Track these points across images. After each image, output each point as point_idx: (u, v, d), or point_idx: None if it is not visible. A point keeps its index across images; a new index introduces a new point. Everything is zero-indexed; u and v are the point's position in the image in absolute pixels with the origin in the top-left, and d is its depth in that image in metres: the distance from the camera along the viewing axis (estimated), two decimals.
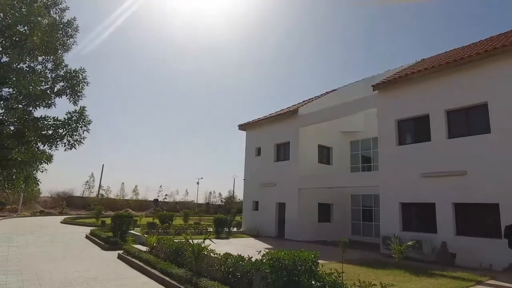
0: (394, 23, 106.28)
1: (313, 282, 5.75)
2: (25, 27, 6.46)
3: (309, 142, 21.18)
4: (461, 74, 13.40)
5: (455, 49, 17.62)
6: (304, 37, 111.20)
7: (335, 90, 24.72)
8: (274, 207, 21.53)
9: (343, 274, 6.66)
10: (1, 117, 6.59)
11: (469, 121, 13.12)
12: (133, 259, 10.39)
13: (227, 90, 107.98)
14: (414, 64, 18.38)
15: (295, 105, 24.80)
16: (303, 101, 25.16)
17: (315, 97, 25.06)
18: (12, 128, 6.83)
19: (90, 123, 7.27)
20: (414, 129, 15.04)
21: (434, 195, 13.45)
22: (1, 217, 27.67)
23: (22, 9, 6.38)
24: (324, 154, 22.35)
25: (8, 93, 6.90)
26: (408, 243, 11.71)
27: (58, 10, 7.39)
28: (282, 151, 22.33)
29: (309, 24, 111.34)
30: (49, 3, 7.15)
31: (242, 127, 25.94)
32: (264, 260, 6.51)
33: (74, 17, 7.71)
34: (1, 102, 6.84)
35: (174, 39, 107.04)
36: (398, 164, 14.99)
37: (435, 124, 13.92)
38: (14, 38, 6.34)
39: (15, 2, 6.39)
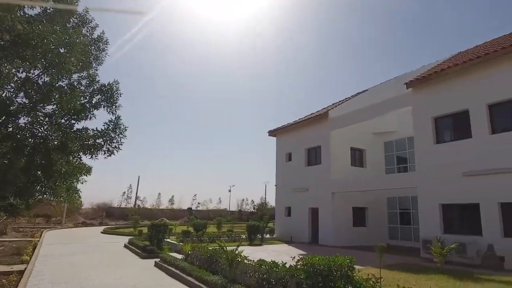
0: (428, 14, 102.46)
1: None
2: (64, 49, 6.91)
3: (341, 145, 20.79)
4: (503, 65, 12.61)
5: (495, 39, 16.63)
6: (330, 39, 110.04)
7: (366, 90, 24.17)
8: (307, 213, 21.24)
9: (381, 279, 6.43)
10: (46, 133, 7.07)
11: None
12: (169, 267, 10.60)
13: (257, 96, 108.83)
14: (450, 58, 17.56)
15: (324, 108, 24.49)
16: (333, 104, 24.79)
17: (345, 99, 24.62)
18: (56, 142, 7.26)
19: (125, 130, 7.63)
20: (453, 126, 14.33)
21: (477, 195, 12.67)
22: (47, 229, 29.40)
23: (60, 33, 6.85)
24: (357, 157, 21.83)
25: (51, 110, 7.41)
26: (451, 246, 11.09)
27: (89, 28, 7.95)
28: (314, 155, 22.06)
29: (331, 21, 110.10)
30: (80, 23, 7.74)
31: (272, 133, 25.89)
32: (299, 266, 6.43)
33: (103, 31, 8.22)
34: (46, 119, 7.30)
35: (203, 48, 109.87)
36: (437, 164, 14.29)
37: (476, 120, 13.17)
38: (55, 60, 6.78)
39: (57, 28, 6.87)
